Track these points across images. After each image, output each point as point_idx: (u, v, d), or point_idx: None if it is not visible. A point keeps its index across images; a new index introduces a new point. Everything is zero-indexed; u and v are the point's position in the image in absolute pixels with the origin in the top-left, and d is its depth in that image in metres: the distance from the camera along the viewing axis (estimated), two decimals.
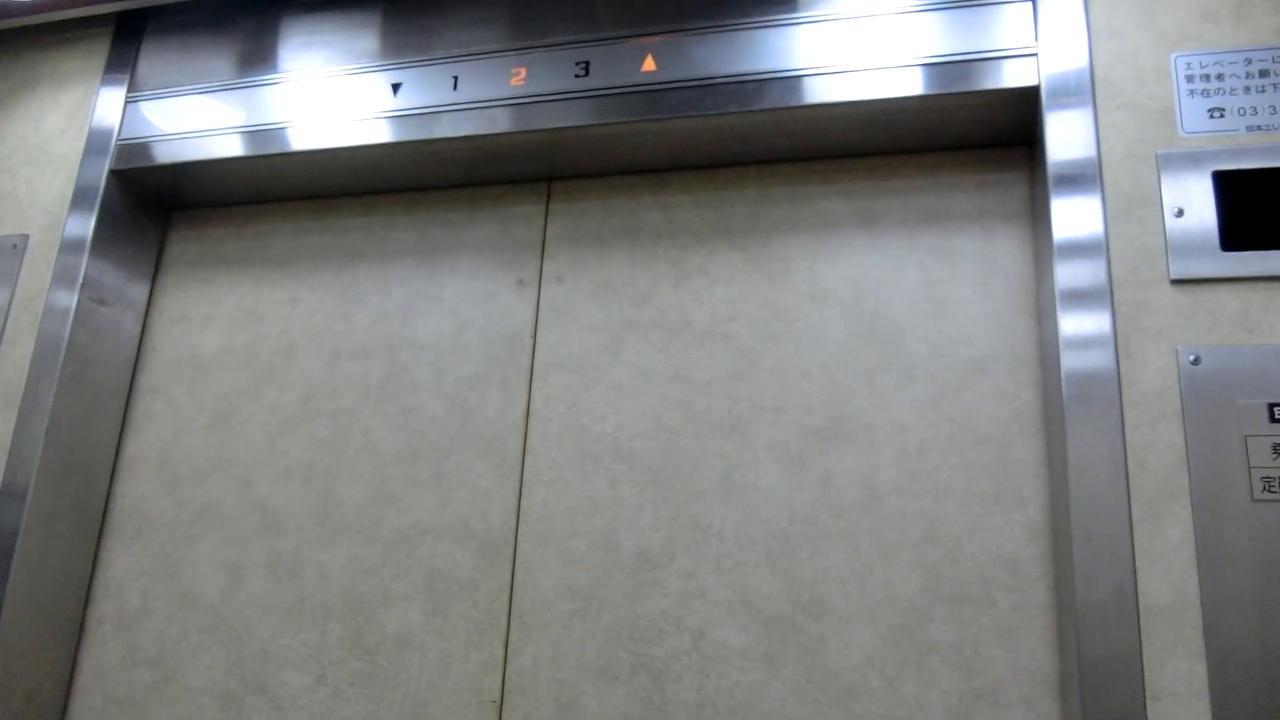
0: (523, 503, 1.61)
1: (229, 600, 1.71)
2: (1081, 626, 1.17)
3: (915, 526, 1.43)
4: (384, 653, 1.60)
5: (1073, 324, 1.28)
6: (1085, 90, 1.36)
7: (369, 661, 1.60)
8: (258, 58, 1.82)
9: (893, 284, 1.55)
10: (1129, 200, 1.30)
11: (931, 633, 1.38)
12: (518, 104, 1.61)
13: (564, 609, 1.54)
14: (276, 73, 1.80)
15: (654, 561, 1.52)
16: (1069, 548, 1.22)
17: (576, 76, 1.60)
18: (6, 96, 1.99)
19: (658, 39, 1.57)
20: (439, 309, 1.77)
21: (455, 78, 1.67)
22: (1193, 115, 1.31)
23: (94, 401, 1.81)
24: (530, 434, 1.64)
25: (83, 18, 1.95)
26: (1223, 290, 1.24)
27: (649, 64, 1.56)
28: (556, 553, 1.57)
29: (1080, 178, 1.32)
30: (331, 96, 1.73)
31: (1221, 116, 1.30)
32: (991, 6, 1.44)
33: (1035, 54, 1.40)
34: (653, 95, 1.55)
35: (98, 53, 1.95)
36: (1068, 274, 1.30)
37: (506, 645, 1.55)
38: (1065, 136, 1.34)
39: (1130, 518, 1.19)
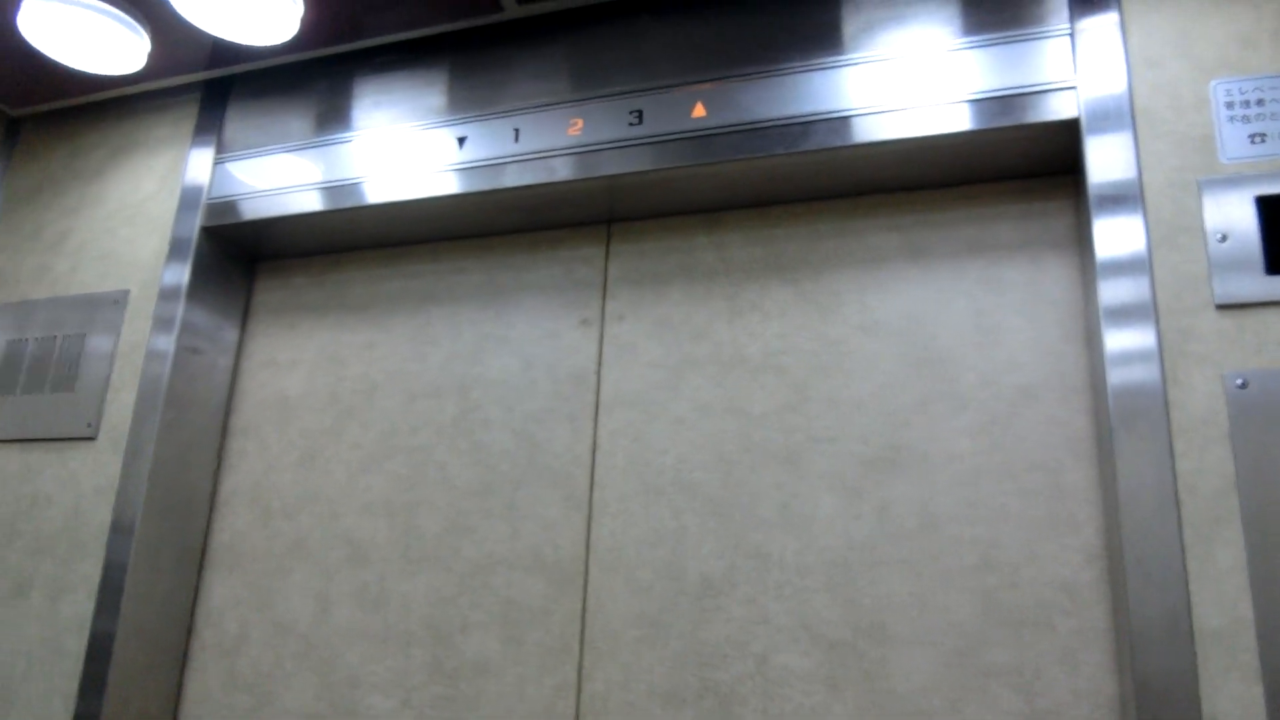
0: (591, 534, 1.68)
1: (319, 628, 1.81)
2: (1136, 650, 1.19)
3: (972, 553, 1.45)
4: (464, 677, 1.68)
5: (1118, 351, 1.29)
6: (1125, 120, 1.37)
7: (450, 686, 1.69)
8: (333, 117, 1.93)
9: (942, 314, 1.57)
10: (1171, 227, 1.31)
11: (992, 656, 1.40)
12: (576, 153, 1.69)
13: (633, 635, 1.60)
14: (351, 131, 1.90)
15: (717, 589, 1.57)
16: (1122, 572, 1.23)
17: (630, 124, 1.67)
18: (106, 162, 2.14)
19: (707, 86, 1.64)
20: (507, 349, 1.85)
21: (516, 130, 1.75)
22: (1233, 141, 1.32)
23: (191, 443, 1.93)
24: (597, 467, 1.71)
25: (173, 87, 2.10)
26: (1268, 314, 1.25)
27: (699, 110, 1.62)
28: (625, 581, 1.63)
29: (1122, 207, 1.34)
30: (402, 151, 1.83)
31: (1263, 142, 1.30)
32: (1031, 42, 1.47)
33: (1074, 87, 1.42)
34: (703, 140, 1.60)
35: (187, 118, 2.08)
36: (1112, 302, 1.31)
37: (579, 670, 1.61)
38: (1106, 167, 1.36)
39: (1182, 542, 1.20)
